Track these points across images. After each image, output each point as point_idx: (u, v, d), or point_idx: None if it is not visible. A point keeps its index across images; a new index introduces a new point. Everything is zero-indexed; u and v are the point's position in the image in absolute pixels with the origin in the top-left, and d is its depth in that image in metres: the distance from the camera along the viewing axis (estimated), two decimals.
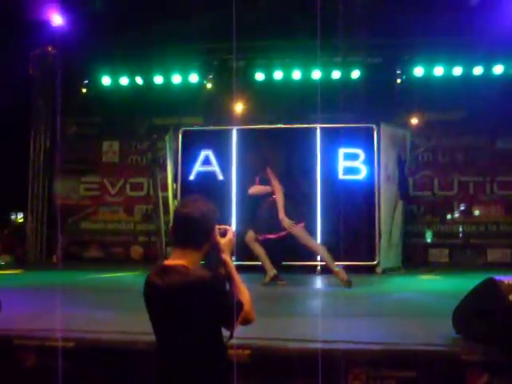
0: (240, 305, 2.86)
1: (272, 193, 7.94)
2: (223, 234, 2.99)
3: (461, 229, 12.16)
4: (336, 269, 7.76)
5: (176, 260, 2.87)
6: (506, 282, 3.94)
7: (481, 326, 4.05)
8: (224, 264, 2.97)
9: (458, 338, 4.24)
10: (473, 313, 4.15)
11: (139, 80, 12.07)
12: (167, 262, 2.92)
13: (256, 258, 8.09)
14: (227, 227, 3.03)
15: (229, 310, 2.81)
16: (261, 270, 8.12)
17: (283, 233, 7.84)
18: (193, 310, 2.76)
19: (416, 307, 6.26)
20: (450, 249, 12.08)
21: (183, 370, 2.82)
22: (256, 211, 8.14)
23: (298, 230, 7.86)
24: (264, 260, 7.98)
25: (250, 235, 7.97)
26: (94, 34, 10.75)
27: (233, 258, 3.03)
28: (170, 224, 2.99)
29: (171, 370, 2.86)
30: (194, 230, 2.88)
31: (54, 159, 12.95)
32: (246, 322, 2.92)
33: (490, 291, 4.01)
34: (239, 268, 3.10)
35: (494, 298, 3.95)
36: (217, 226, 2.98)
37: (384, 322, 5.27)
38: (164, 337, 2.89)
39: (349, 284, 7.60)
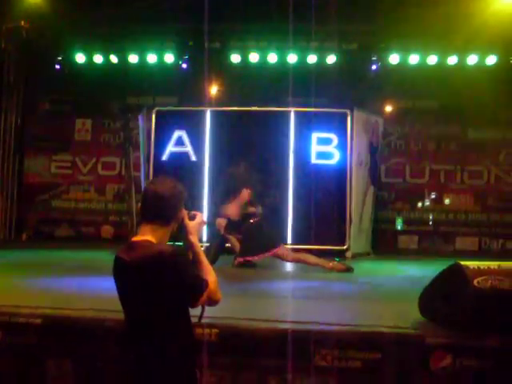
0: (204, 283, 2.89)
1: (252, 215, 7.92)
2: (192, 217, 3.05)
3: (431, 216, 12.28)
4: (330, 264, 7.82)
5: (143, 236, 2.92)
6: (471, 267, 4.02)
7: (446, 309, 4.12)
8: (191, 246, 3.02)
9: (423, 321, 4.31)
10: (438, 297, 4.22)
11: (114, 58, 11.93)
12: (134, 238, 2.97)
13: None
14: (197, 212, 3.10)
15: (191, 285, 2.86)
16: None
17: (267, 254, 7.82)
18: (155, 283, 2.80)
19: (384, 291, 6.34)
20: (419, 236, 12.19)
21: (149, 346, 2.85)
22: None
23: (282, 251, 7.87)
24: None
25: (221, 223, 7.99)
26: (69, 10, 10.60)
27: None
28: (139, 202, 3.03)
29: (137, 346, 2.89)
30: (161, 206, 2.94)
31: (25, 136, 12.79)
32: (212, 302, 2.96)
33: (456, 276, 4.08)
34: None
35: (459, 282, 4.02)
36: (186, 211, 3.04)
37: (352, 304, 5.34)
38: (130, 312, 2.93)
39: (349, 270, 7.72)
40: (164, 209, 2.94)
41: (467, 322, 3.92)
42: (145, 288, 2.81)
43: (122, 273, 2.90)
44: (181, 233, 3.02)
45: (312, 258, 7.92)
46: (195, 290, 2.87)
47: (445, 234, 12.16)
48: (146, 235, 2.91)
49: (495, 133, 11.98)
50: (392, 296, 5.85)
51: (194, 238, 3.03)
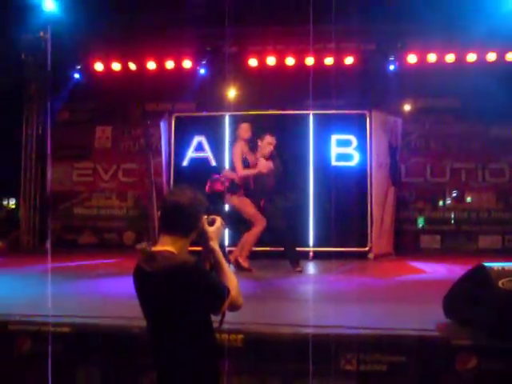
0: (226, 290, 2.91)
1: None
2: (211, 222, 3.06)
3: (452, 215, 12.21)
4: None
5: (163, 246, 2.94)
6: (496, 268, 4.00)
7: (471, 311, 4.11)
8: (212, 252, 3.03)
9: (448, 323, 4.30)
10: (463, 298, 4.21)
11: (132, 65, 12.02)
12: (155, 249, 2.98)
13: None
14: (215, 217, 3.10)
15: (214, 295, 2.89)
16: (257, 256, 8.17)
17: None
18: (178, 294, 2.82)
19: (407, 293, 6.32)
20: (441, 235, 12.13)
21: (173, 355, 2.87)
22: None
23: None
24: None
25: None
26: (86, 19, 10.69)
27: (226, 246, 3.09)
28: (158, 212, 3.05)
29: (162, 354, 2.92)
30: (181, 218, 2.95)
31: (46, 145, 12.90)
32: (234, 307, 2.98)
33: (480, 277, 4.07)
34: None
35: (483, 284, 4.01)
36: (205, 216, 3.04)
37: (375, 307, 5.32)
38: (153, 322, 2.95)
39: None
40: (184, 220, 2.95)
41: (492, 323, 3.91)
42: (167, 298, 2.83)
43: (143, 283, 2.93)
44: (201, 239, 3.04)
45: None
46: (218, 298, 2.89)
47: (467, 232, 12.07)
48: (167, 245, 2.93)
49: None
50: (416, 297, 5.82)
51: (214, 244, 3.04)
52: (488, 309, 3.93)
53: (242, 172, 7.85)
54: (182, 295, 2.81)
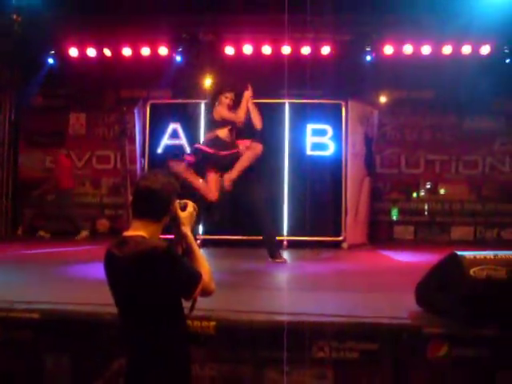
0: (198, 275, 2.90)
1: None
2: (183, 207, 3.05)
3: (426, 206, 12.31)
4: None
5: (135, 231, 2.92)
6: (468, 256, 4.01)
7: (442, 299, 4.13)
8: (184, 237, 3.03)
9: (420, 311, 4.32)
10: (435, 287, 4.22)
11: (107, 52, 11.89)
12: (126, 233, 2.96)
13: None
14: (187, 201, 3.09)
15: (185, 279, 2.88)
16: (224, 244, 8.12)
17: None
18: (149, 279, 2.80)
19: (380, 281, 6.33)
20: (415, 226, 12.23)
21: (144, 339, 2.86)
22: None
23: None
24: None
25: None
26: (61, 4, 10.55)
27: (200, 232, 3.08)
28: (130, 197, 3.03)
29: (133, 341, 2.91)
30: (153, 202, 2.93)
31: (19, 131, 12.76)
32: (206, 293, 2.98)
33: (453, 266, 4.08)
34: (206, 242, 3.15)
35: (456, 272, 4.02)
36: (177, 201, 3.03)
37: (349, 295, 5.33)
38: (124, 307, 2.94)
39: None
40: (156, 205, 2.94)
41: (463, 311, 3.93)
42: (137, 283, 2.81)
43: (114, 268, 2.90)
44: (173, 224, 3.02)
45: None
46: (189, 283, 2.88)
47: (440, 223, 12.20)
48: (138, 230, 2.91)
49: (490, 122, 12.02)
50: (388, 287, 5.85)
51: (186, 229, 3.04)
52: (459, 297, 3.95)
53: (241, 116, 7.70)
54: (152, 280, 2.79)
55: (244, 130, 7.82)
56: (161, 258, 2.80)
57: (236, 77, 11.26)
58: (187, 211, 3.05)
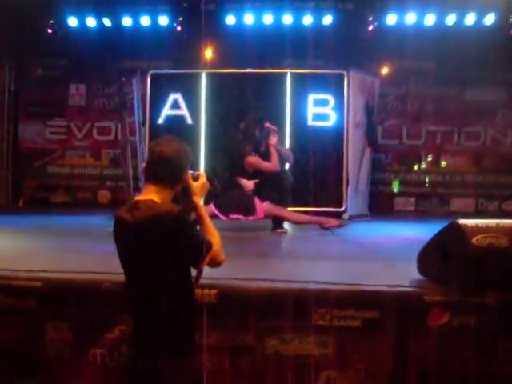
0: (209, 244, 2.88)
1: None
2: (196, 178, 3.04)
3: (427, 178, 12.28)
4: (317, 219, 7.81)
5: (147, 195, 2.90)
6: (470, 225, 4.02)
7: (444, 268, 4.13)
8: (195, 207, 3.01)
9: (422, 279, 4.33)
10: (437, 255, 4.23)
11: (107, 22, 11.76)
12: (137, 198, 2.96)
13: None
14: (200, 172, 3.10)
15: (196, 247, 2.84)
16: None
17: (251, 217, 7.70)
18: (160, 243, 2.78)
19: (382, 251, 6.36)
20: (416, 197, 12.21)
21: (151, 307, 2.85)
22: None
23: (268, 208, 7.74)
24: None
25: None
26: None
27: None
28: (144, 162, 3.01)
29: (139, 308, 2.90)
30: (167, 168, 2.91)
31: (18, 102, 12.69)
32: (215, 263, 2.96)
33: (454, 234, 4.09)
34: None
35: (457, 240, 4.02)
36: (190, 171, 3.02)
37: (350, 264, 5.35)
38: (133, 273, 2.91)
39: (340, 225, 7.69)
40: (170, 171, 2.92)
41: (465, 279, 3.94)
42: (149, 248, 2.80)
43: (124, 233, 2.88)
44: (184, 194, 3.01)
45: (302, 217, 7.90)
46: (200, 250, 2.86)
47: (441, 195, 12.18)
48: (151, 195, 2.89)
49: (492, 94, 11.91)
50: (390, 256, 5.86)
51: (198, 199, 3.03)
52: (462, 265, 3.95)
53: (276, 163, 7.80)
54: (163, 244, 2.78)
55: None
56: (173, 222, 2.79)
57: (237, 46, 11.22)
58: (200, 181, 3.05)
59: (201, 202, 3.04)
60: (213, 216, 7.26)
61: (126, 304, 3.02)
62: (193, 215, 3.03)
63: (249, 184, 7.68)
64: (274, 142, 7.81)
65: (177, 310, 2.85)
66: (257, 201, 7.63)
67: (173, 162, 2.92)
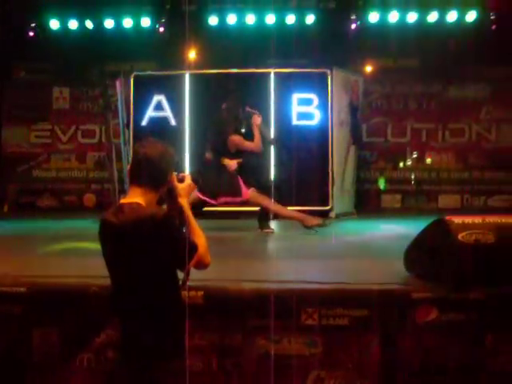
0: (194, 247, 2.87)
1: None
2: (181, 179, 3.03)
3: (413, 175, 12.31)
4: (300, 215, 7.79)
5: (132, 198, 2.89)
6: (456, 221, 4.03)
7: (431, 264, 4.14)
8: (181, 209, 2.99)
9: (409, 276, 4.33)
10: (423, 252, 4.23)
11: (89, 24, 11.71)
12: (123, 201, 2.95)
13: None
14: (185, 174, 3.08)
15: (181, 249, 2.82)
16: (212, 216, 8.10)
17: (238, 199, 7.70)
18: (145, 246, 2.77)
19: (369, 249, 6.37)
20: (402, 195, 12.24)
21: (139, 309, 2.83)
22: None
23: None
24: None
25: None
26: None
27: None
28: (128, 165, 3.00)
29: (126, 311, 2.88)
30: (151, 170, 2.90)
31: (1, 106, 12.61)
32: (201, 265, 2.94)
33: (440, 230, 4.10)
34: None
35: (443, 236, 4.03)
36: (175, 173, 3.01)
37: (337, 263, 5.35)
38: (118, 276, 2.90)
39: (323, 224, 7.67)
40: (155, 173, 2.91)
41: (452, 276, 3.94)
42: (135, 251, 2.79)
43: (110, 236, 2.86)
44: (169, 195, 3.00)
45: (285, 210, 7.86)
46: (185, 253, 2.84)
47: (427, 192, 12.20)
48: (135, 197, 2.88)
49: (476, 90, 11.97)
50: (377, 253, 5.87)
51: (183, 201, 3.01)
52: (448, 262, 3.96)
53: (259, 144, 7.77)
54: (148, 247, 2.77)
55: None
56: (159, 224, 2.78)
57: (220, 47, 11.20)
58: (185, 183, 3.03)
59: (186, 203, 3.02)
60: (199, 203, 7.32)
61: (113, 307, 2.99)
62: (178, 218, 3.02)
63: (231, 163, 7.65)
64: (258, 122, 7.77)
65: (164, 311, 2.84)
66: (241, 182, 7.62)
67: (157, 164, 2.90)
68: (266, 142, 8.08)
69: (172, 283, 2.91)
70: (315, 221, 7.70)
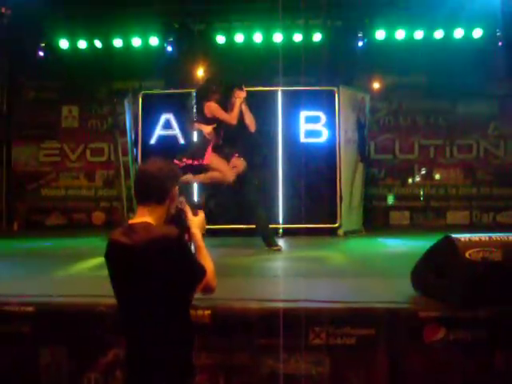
0: (203, 271, 2.90)
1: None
2: (195, 214, 3.16)
3: (421, 192, 12.30)
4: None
5: (141, 218, 2.92)
6: (463, 239, 4.01)
7: (438, 283, 4.13)
8: (194, 236, 3.09)
9: (416, 295, 4.32)
10: (431, 270, 4.22)
11: (98, 43, 11.82)
12: (131, 221, 2.97)
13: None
14: (199, 210, 3.22)
15: (191, 272, 2.87)
16: (219, 233, 8.10)
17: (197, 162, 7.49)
18: (158, 267, 2.78)
19: (377, 267, 6.34)
20: (410, 211, 12.22)
21: (148, 330, 2.83)
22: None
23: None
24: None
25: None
26: None
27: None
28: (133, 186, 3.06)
29: (136, 331, 2.87)
30: (152, 184, 2.95)
31: (11, 125, 12.70)
32: (208, 290, 3.00)
33: (447, 249, 4.08)
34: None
35: (450, 255, 4.02)
36: (191, 207, 3.16)
37: (345, 281, 5.33)
38: (127, 298, 2.89)
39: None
40: (155, 186, 2.94)
41: (459, 294, 3.92)
42: (147, 271, 2.79)
43: (120, 257, 2.87)
44: (179, 217, 3.09)
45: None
46: (195, 275, 2.89)
47: (436, 208, 12.19)
48: (144, 217, 2.91)
49: (483, 106, 11.99)
50: (385, 272, 5.85)
51: (196, 231, 3.11)
52: (456, 280, 3.95)
53: (235, 117, 7.64)
54: (160, 268, 2.78)
55: (234, 132, 7.74)
56: (172, 246, 2.80)
57: (228, 65, 11.26)
58: (199, 216, 3.17)
59: (199, 234, 3.12)
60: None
61: (122, 329, 2.98)
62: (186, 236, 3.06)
63: (205, 127, 7.63)
64: (241, 96, 7.72)
65: (175, 331, 2.85)
66: (210, 149, 7.53)
67: (156, 178, 2.94)
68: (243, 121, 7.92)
69: (183, 304, 2.92)
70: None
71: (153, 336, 2.82)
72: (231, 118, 7.60)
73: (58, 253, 8.10)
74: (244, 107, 7.73)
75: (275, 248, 7.72)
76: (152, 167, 2.98)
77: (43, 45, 11.95)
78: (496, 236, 4.09)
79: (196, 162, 7.48)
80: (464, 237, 4.04)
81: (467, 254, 3.88)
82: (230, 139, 7.75)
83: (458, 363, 3.92)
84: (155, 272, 2.78)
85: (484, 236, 4.07)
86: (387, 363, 3.95)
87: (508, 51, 10.92)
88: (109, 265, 2.92)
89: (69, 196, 12.67)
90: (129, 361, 2.93)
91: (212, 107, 7.60)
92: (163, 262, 2.77)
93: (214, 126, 7.63)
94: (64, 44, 11.90)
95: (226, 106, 7.71)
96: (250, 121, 7.77)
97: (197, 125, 7.72)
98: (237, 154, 7.71)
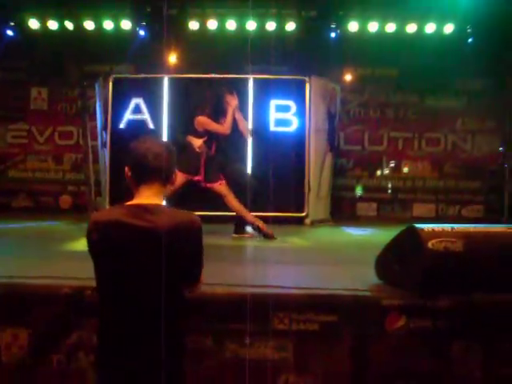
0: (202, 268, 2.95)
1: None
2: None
3: (389, 184, 12.41)
4: (259, 222, 7.80)
5: (146, 199, 2.79)
6: (426, 229, 4.07)
7: (401, 272, 4.19)
8: None
9: (379, 284, 4.38)
10: (394, 259, 4.28)
11: (69, 25, 11.67)
12: (142, 202, 2.79)
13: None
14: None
15: (199, 262, 2.89)
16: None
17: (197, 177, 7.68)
18: (177, 252, 2.71)
19: (342, 256, 6.41)
20: (377, 203, 12.33)
21: (144, 316, 2.71)
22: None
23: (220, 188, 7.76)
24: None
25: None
26: None
27: None
28: (129, 163, 2.86)
29: (130, 317, 2.71)
30: (160, 165, 2.79)
31: None
32: (198, 288, 3.03)
33: (411, 238, 4.14)
34: None
35: (413, 244, 4.07)
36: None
37: (310, 269, 5.38)
38: (129, 280, 2.71)
39: (272, 237, 7.69)
40: (164, 166, 2.79)
41: (421, 283, 3.99)
42: (165, 253, 2.61)
43: (129, 238, 2.68)
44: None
45: (250, 216, 7.84)
46: (200, 267, 2.91)
47: (403, 201, 12.32)
48: (150, 198, 2.78)
49: (452, 101, 12.13)
50: (350, 261, 5.91)
51: None
52: (418, 269, 4.01)
53: (228, 127, 7.72)
54: (179, 253, 2.72)
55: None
56: (195, 233, 2.79)
57: (200, 52, 11.22)
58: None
59: None
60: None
61: (101, 307, 2.80)
62: None
63: (196, 141, 7.65)
64: (233, 103, 7.75)
65: (173, 317, 2.73)
66: (203, 163, 7.63)
67: (165, 158, 2.80)
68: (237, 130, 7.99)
69: (182, 286, 2.84)
70: (270, 232, 7.71)
71: (150, 313, 2.68)
72: (224, 128, 7.67)
73: (25, 234, 8.03)
74: (237, 115, 7.74)
75: (245, 235, 7.77)
76: (158, 147, 2.83)
77: (12, 24, 11.76)
78: (458, 227, 4.16)
79: (196, 179, 7.65)
80: (427, 227, 4.10)
81: (430, 244, 3.94)
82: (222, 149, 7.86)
83: (417, 351, 3.99)
84: (172, 255, 2.64)
85: (447, 227, 4.14)
86: (349, 349, 4.00)
87: (477, 48, 11.05)
88: (103, 246, 2.71)
89: (36, 179, 12.54)
90: (109, 339, 2.75)
91: (203, 121, 7.63)
92: (184, 245, 2.73)
93: (205, 139, 7.63)
94: (34, 24, 11.72)
95: (219, 114, 7.72)
96: (243, 128, 7.80)
97: (188, 138, 7.69)
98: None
